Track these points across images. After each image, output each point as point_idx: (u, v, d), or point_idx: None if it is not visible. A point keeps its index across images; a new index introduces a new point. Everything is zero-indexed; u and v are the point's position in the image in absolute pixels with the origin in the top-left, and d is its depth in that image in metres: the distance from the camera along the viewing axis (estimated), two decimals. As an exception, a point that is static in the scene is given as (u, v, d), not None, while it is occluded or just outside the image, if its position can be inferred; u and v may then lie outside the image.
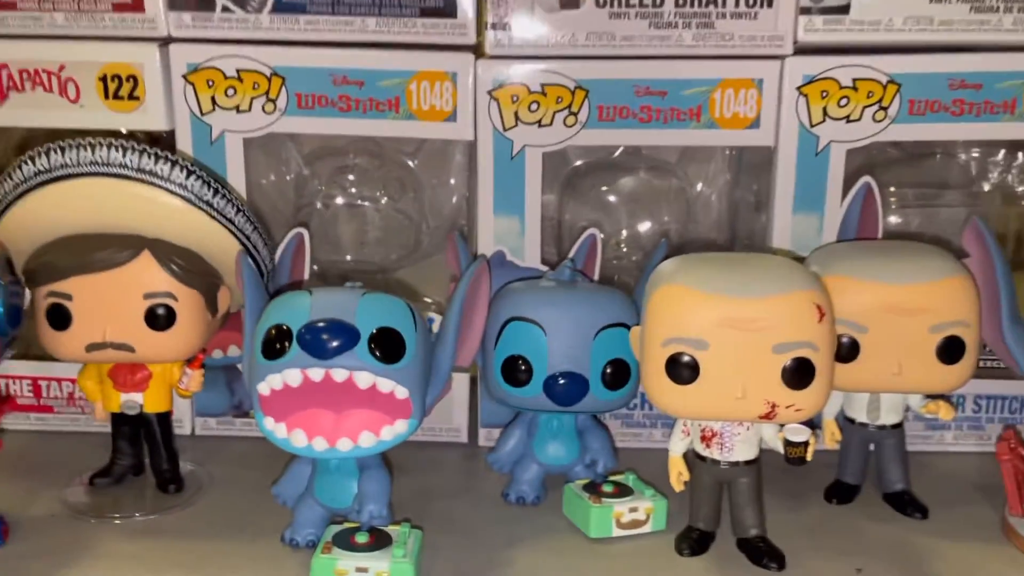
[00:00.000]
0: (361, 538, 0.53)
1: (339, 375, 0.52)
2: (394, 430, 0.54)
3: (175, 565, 0.56)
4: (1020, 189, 0.77)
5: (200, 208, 0.59)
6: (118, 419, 0.64)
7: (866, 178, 0.68)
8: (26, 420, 0.72)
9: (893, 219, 0.77)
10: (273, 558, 0.57)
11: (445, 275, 0.78)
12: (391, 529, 0.55)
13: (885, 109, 0.67)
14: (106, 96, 0.67)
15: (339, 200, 0.77)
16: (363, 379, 0.53)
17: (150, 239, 0.59)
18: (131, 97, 0.67)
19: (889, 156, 0.76)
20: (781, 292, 0.53)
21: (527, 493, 0.65)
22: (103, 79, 0.66)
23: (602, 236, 0.70)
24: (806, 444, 0.55)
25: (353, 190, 0.77)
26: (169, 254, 0.59)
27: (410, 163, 0.80)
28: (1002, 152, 0.77)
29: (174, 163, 0.58)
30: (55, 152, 0.57)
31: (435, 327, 0.62)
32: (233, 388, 0.73)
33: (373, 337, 0.53)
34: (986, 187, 0.78)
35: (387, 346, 0.53)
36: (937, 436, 0.73)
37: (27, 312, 0.59)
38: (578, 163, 0.79)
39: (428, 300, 0.79)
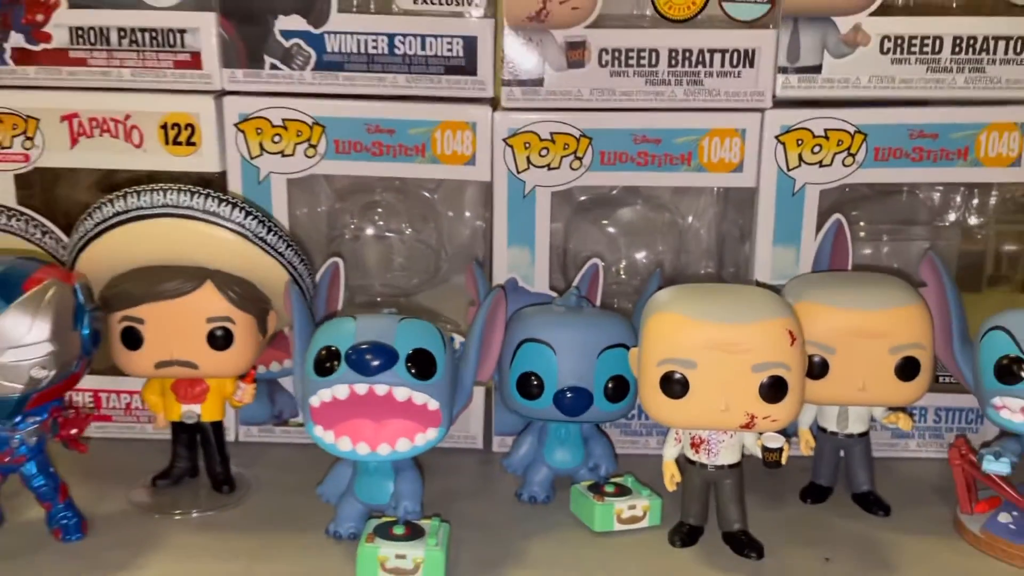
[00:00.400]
0: (398, 530, 0.62)
1: (380, 390, 0.61)
2: (426, 437, 0.63)
3: (235, 554, 0.65)
4: (975, 222, 0.86)
5: (255, 243, 0.68)
6: (177, 427, 0.73)
7: (837, 216, 0.77)
8: (89, 428, 0.81)
9: (865, 250, 0.86)
10: (320, 547, 0.65)
11: (460, 297, 0.86)
12: (424, 522, 0.63)
13: (853, 155, 0.76)
14: (166, 142, 0.75)
15: (369, 231, 0.85)
16: (401, 393, 0.61)
17: (211, 270, 0.67)
18: (188, 143, 0.75)
19: (860, 194, 0.85)
20: (759, 320, 0.62)
21: (538, 493, 0.73)
22: (164, 127, 0.75)
23: (603, 265, 0.79)
24: (781, 450, 0.64)
25: (381, 222, 0.86)
26: (228, 283, 0.67)
27: (430, 197, 0.89)
28: (960, 191, 0.86)
29: (234, 205, 0.67)
30: (132, 196, 0.66)
31: (457, 346, 0.70)
32: (274, 399, 0.81)
33: (410, 357, 0.61)
34: (947, 222, 0.87)
35: (421, 365, 0.62)
36: (902, 444, 0.82)
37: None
38: (582, 198, 0.88)
39: (446, 322, 0.88)
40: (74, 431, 0.65)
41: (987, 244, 0.87)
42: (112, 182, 0.81)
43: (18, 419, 0.63)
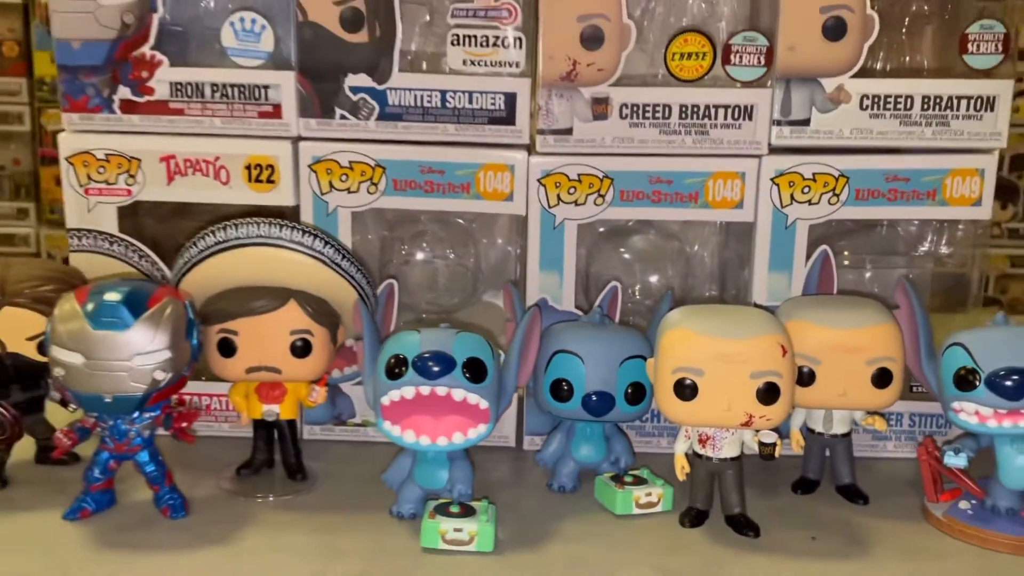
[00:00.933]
0: (455, 509, 0.74)
1: (441, 391, 0.73)
2: (477, 431, 0.75)
3: (314, 530, 0.77)
4: (945, 251, 0.98)
5: (331, 267, 0.80)
6: (258, 424, 0.85)
7: (823, 247, 0.89)
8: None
9: (849, 276, 0.99)
10: (386, 525, 0.77)
11: (492, 313, 0.99)
12: (475, 503, 0.75)
13: (837, 195, 0.88)
14: (249, 180, 0.88)
15: (418, 256, 0.98)
16: (458, 394, 0.73)
17: (294, 290, 0.80)
18: (268, 181, 0.88)
19: (845, 227, 0.97)
20: (756, 335, 0.74)
21: (567, 483, 0.84)
22: (248, 167, 0.87)
23: (621, 287, 0.91)
24: (775, 445, 0.76)
25: (427, 248, 0.99)
26: (308, 301, 0.80)
27: (468, 226, 1.01)
28: (932, 226, 0.98)
29: (315, 235, 0.80)
30: (231, 227, 0.79)
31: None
32: (335, 402, 0.93)
33: (465, 364, 0.74)
34: (921, 252, 0.99)
35: (475, 371, 0.74)
36: (881, 445, 0.93)
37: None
38: (602, 229, 1.00)
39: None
40: (184, 424, 0.77)
41: (974, 269, 0.98)
42: (187, 212, 0.94)
43: (136, 414, 0.75)
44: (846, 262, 0.97)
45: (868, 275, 1.00)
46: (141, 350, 0.71)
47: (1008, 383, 0.74)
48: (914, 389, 0.90)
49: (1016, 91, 2.41)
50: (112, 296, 0.71)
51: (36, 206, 2.34)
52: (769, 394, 0.73)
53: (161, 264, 0.90)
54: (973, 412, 0.76)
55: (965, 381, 0.75)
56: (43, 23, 2.25)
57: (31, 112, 2.30)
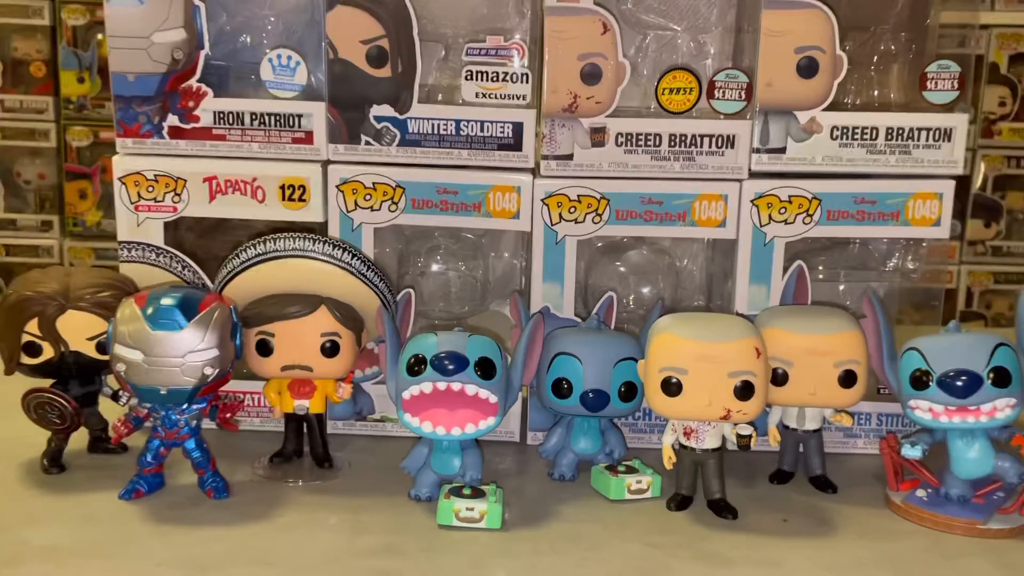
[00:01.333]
0: (467, 491, 0.83)
1: (455, 387, 0.83)
2: (487, 423, 0.84)
3: (341, 510, 0.86)
4: (911, 266, 1.08)
5: (357, 277, 0.90)
6: (289, 417, 0.94)
7: (799, 262, 0.98)
8: (209, 421, 1.03)
9: (824, 289, 1.08)
10: (406, 506, 0.86)
11: (500, 321, 1.08)
12: (485, 487, 0.85)
13: (811, 216, 0.98)
14: (283, 199, 0.98)
15: (433, 268, 1.08)
16: (470, 390, 0.83)
17: (324, 297, 0.89)
18: (300, 199, 0.98)
19: (820, 244, 1.07)
20: (734, 339, 0.84)
21: (566, 472, 0.93)
22: (282, 187, 0.97)
23: (616, 297, 1.00)
24: (750, 436, 0.85)
25: (440, 260, 1.08)
26: (337, 307, 0.89)
27: (477, 241, 1.11)
28: (899, 244, 1.08)
29: (344, 248, 0.90)
30: (269, 241, 0.89)
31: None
32: (356, 400, 1.02)
33: (477, 363, 0.83)
34: (889, 267, 1.09)
35: (485, 369, 0.84)
36: (852, 442, 1.02)
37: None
38: (599, 244, 1.10)
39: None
40: (229, 415, 0.87)
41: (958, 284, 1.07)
42: (223, 227, 1.04)
43: (186, 405, 0.85)
44: (821, 276, 1.07)
45: (842, 288, 1.10)
46: (193, 348, 0.81)
47: (957, 383, 0.83)
48: (881, 391, 0.99)
49: (999, 115, 2.54)
50: (168, 301, 0.81)
51: (60, 218, 2.44)
52: (745, 391, 0.83)
53: (201, 273, 1.00)
54: (927, 409, 0.85)
55: (920, 381, 0.85)
56: (69, 45, 2.35)
57: (57, 129, 2.40)
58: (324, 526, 0.83)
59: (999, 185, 2.41)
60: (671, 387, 0.83)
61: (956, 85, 0.96)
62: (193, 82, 0.96)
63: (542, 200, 0.97)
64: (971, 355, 0.83)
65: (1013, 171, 2.40)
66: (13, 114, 2.36)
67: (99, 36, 2.33)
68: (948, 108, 0.96)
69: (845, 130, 0.96)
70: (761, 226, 0.97)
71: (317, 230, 0.96)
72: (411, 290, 0.97)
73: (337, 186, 0.98)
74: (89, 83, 2.34)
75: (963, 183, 2.41)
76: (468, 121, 0.97)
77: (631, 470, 0.91)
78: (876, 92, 1.04)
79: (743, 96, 0.95)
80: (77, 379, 0.91)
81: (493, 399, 0.84)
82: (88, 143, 2.37)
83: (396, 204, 0.98)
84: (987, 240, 2.44)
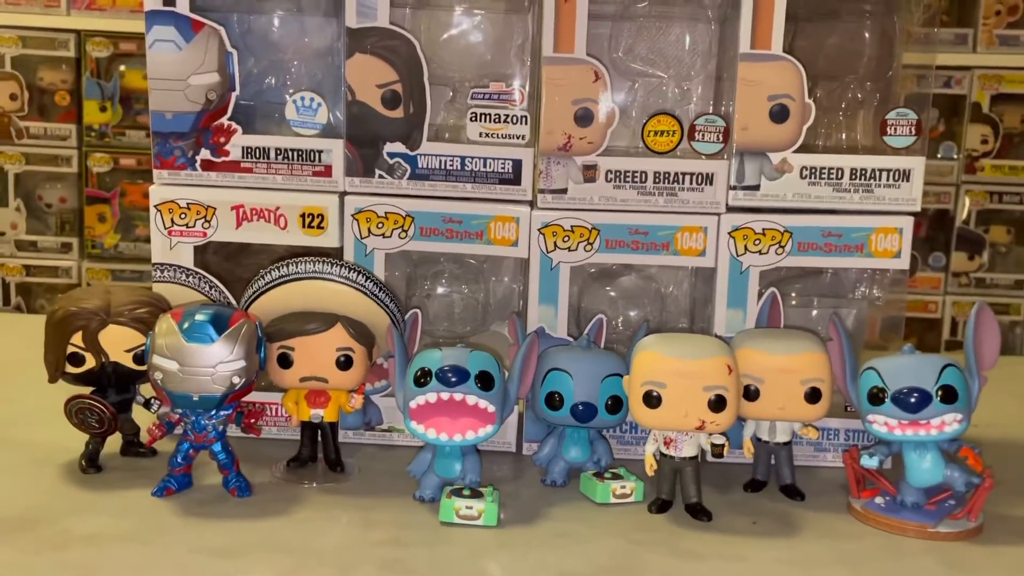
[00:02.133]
0: (466, 492, 0.92)
1: (457, 397, 0.92)
2: (486, 431, 0.93)
3: (352, 508, 0.94)
4: (877, 293, 1.17)
5: (370, 297, 0.99)
6: (305, 425, 1.03)
7: (772, 289, 1.07)
8: (232, 428, 1.12)
9: (796, 314, 1.18)
10: (411, 506, 0.95)
11: (499, 340, 1.17)
12: (483, 489, 0.93)
13: (783, 247, 1.07)
14: (303, 226, 1.07)
15: (438, 290, 1.17)
16: (471, 400, 0.92)
17: (340, 315, 0.99)
18: (318, 227, 1.08)
19: (794, 273, 1.17)
20: (708, 357, 0.93)
21: (558, 479, 1.02)
22: (302, 215, 1.07)
23: (606, 319, 1.10)
24: (723, 445, 0.94)
25: (445, 284, 1.18)
26: (351, 324, 0.99)
27: (479, 266, 1.21)
28: (865, 273, 1.17)
29: (358, 271, 0.99)
30: (291, 264, 0.98)
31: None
32: (365, 411, 1.11)
33: (478, 376, 0.92)
34: (857, 294, 1.18)
35: (485, 381, 0.93)
36: (821, 455, 1.11)
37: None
38: (592, 270, 1.19)
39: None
40: (252, 420, 0.96)
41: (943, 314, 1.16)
42: (246, 251, 1.14)
43: (214, 411, 0.94)
44: (794, 302, 1.16)
45: (815, 313, 1.19)
46: (223, 359, 0.90)
47: (910, 399, 0.92)
48: (848, 409, 1.08)
49: (982, 152, 2.67)
50: (201, 317, 0.91)
51: (79, 241, 2.55)
52: (718, 404, 0.92)
53: (227, 293, 1.09)
54: (883, 423, 0.94)
55: (876, 398, 0.94)
56: (93, 75, 2.47)
57: (79, 156, 2.52)
58: (337, 521, 0.92)
59: (982, 219, 2.52)
60: (652, 399, 0.93)
61: (914, 131, 1.05)
62: (224, 120, 1.06)
63: (539, 230, 1.07)
64: (921, 374, 0.92)
65: (995, 206, 2.51)
66: (37, 140, 2.48)
67: (121, 67, 2.45)
68: (908, 151, 1.06)
69: (814, 170, 1.06)
70: (737, 256, 1.07)
71: (333, 254, 1.06)
72: (418, 310, 1.07)
73: (352, 215, 1.07)
74: (111, 112, 2.46)
75: (947, 217, 2.54)
76: (472, 158, 1.07)
77: (616, 476, 1.00)
78: (844, 136, 1.14)
79: (721, 139, 1.05)
80: (114, 387, 1.01)
81: (491, 409, 0.93)
82: (108, 169, 2.49)
83: (406, 232, 1.08)
84: (971, 272, 2.54)
